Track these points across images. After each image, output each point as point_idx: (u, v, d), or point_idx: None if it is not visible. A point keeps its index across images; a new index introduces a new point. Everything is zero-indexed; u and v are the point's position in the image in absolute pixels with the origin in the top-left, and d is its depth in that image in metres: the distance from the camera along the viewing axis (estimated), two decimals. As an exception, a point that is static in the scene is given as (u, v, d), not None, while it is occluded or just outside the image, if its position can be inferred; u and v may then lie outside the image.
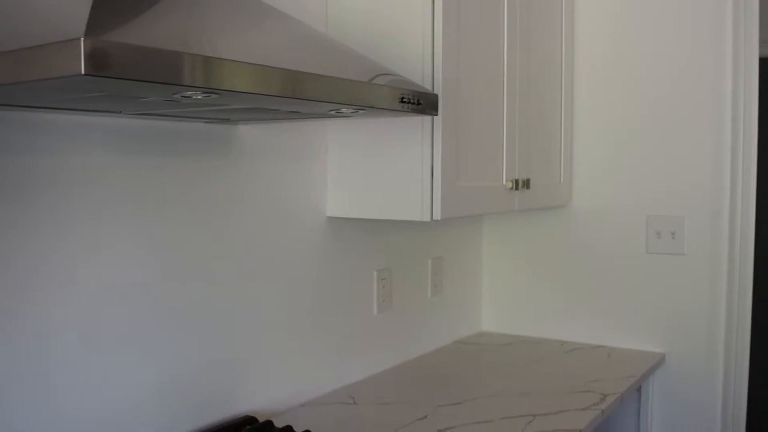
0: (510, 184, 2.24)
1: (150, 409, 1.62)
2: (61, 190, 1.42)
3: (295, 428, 1.81)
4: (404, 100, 1.43)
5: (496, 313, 2.95)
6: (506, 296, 2.92)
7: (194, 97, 1.05)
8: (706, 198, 2.52)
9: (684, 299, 2.58)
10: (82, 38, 0.82)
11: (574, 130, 2.73)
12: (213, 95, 1.05)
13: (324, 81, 1.19)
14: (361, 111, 1.38)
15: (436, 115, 1.63)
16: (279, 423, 1.86)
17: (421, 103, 1.48)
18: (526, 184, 2.32)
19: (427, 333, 2.63)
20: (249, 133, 1.84)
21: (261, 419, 1.86)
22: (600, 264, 2.72)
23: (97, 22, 0.87)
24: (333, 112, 1.40)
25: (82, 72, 0.82)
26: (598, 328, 2.74)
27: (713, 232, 2.52)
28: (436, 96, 1.54)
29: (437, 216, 1.90)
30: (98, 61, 0.83)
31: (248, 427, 1.71)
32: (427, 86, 1.84)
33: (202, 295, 1.73)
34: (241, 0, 1.30)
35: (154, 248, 1.61)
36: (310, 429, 1.76)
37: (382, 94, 1.37)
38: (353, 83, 1.27)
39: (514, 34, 2.24)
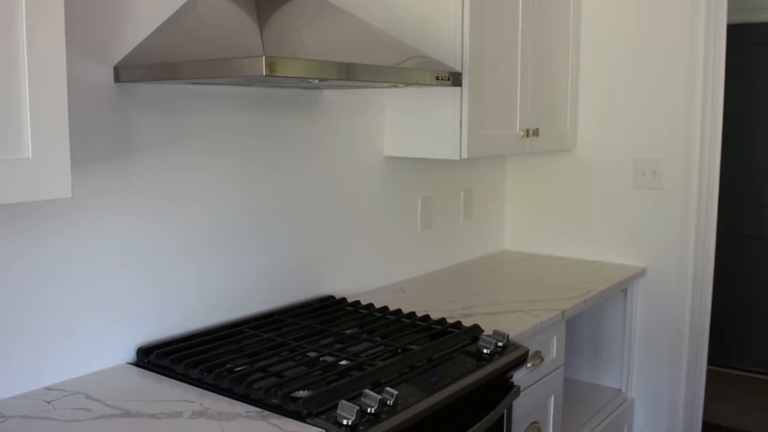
0: (522, 133, 2.96)
1: (263, 285, 2.42)
2: (211, 135, 2.20)
3: (362, 302, 2.58)
4: (438, 78, 2.17)
5: (515, 235, 3.69)
6: (524, 222, 3.66)
7: (312, 81, 1.81)
8: (680, 144, 3.21)
9: (662, 224, 3.29)
10: (264, 56, 1.58)
11: (579, 90, 3.42)
12: (318, 80, 1.81)
13: (383, 69, 1.94)
14: (409, 86, 2.13)
15: (461, 86, 2.36)
16: (350, 300, 2.64)
17: (450, 79, 2.22)
18: (536, 132, 3.04)
19: (459, 248, 3.39)
20: (330, 96, 2.60)
21: (337, 297, 2.64)
22: (597, 196, 3.44)
23: (266, 42, 1.62)
24: (391, 85, 2.15)
25: (264, 74, 1.58)
26: (595, 247, 3.47)
27: (685, 171, 3.21)
28: (460, 74, 2.27)
29: (464, 155, 2.64)
30: (271, 68, 1.59)
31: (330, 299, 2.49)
32: (457, 63, 2.57)
33: (294, 210, 2.51)
34: (320, 7, 2.04)
35: (262, 175, 2.38)
36: (372, 302, 2.53)
37: (423, 74, 2.11)
38: (403, 69, 2.01)
39: (528, 14, 2.94)
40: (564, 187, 3.53)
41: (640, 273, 3.30)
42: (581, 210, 3.50)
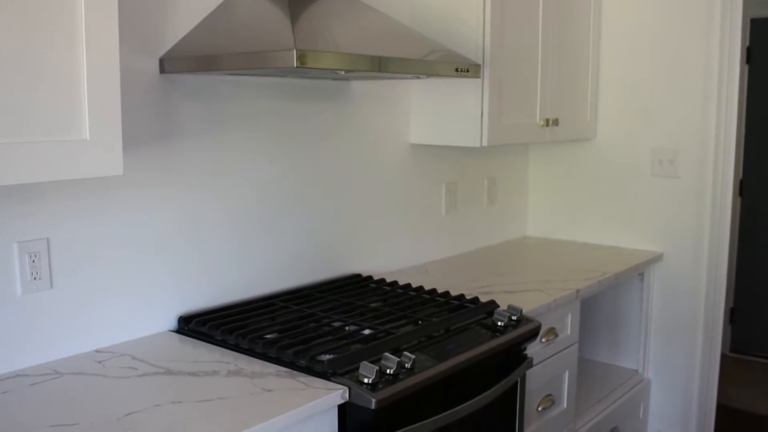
0: (542, 122, 3.10)
1: (295, 263, 2.59)
2: (248, 122, 2.37)
3: (387, 280, 2.75)
4: (458, 69, 2.32)
5: (537, 221, 3.84)
6: (546, 208, 3.80)
7: (339, 73, 1.98)
8: (696, 134, 3.33)
9: (678, 212, 3.41)
10: (295, 49, 1.74)
11: (599, 82, 3.55)
12: (346, 72, 1.97)
13: (405, 61, 2.10)
14: (431, 77, 2.28)
15: (479, 78, 2.51)
16: (375, 278, 2.80)
17: (469, 70, 2.37)
18: (555, 122, 3.18)
19: (483, 233, 3.55)
20: (358, 86, 2.76)
21: (364, 276, 2.81)
22: (617, 184, 3.57)
23: (297, 36, 1.79)
24: (413, 77, 2.31)
25: (294, 66, 1.74)
26: (614, 232, 3.60)
27: (701, 161, 3.33)
28: (479, 66, 2.42)
29: (485, 143, 2.79)
30: (301, 60, 1.75)
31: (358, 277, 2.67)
32: (479, 56, 2.72)
33: (324, 194, 2.68)
34: (348, 4, 2.20)
35: (295, 160, 2.56)
36: (397, 280, 2.69)
37: (443, 66, 2.27)
38: (424, 62, 2.17)
39: (549, 9, 3.07)
40: (585, 175, 3.66)
41: (657, 258, 3.42)
42: (601, 197, 3.63)
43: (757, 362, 4.96)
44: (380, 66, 2.01)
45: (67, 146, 1.56)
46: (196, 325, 2.16)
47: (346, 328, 2.14)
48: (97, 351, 2.03)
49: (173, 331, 2.21)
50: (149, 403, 1.68)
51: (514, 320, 2.29)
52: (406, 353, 1.89)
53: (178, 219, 2.21)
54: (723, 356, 4.96)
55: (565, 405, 2.83)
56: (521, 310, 2.31)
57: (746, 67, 4.91)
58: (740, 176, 4.99)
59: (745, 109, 4.93)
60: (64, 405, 1.67)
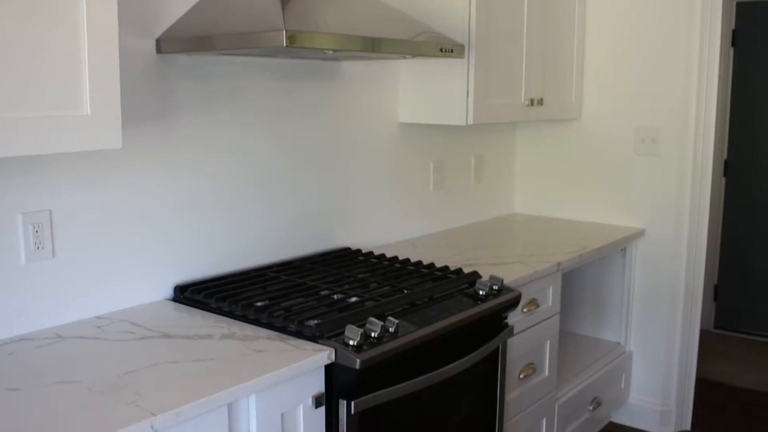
0: (527, 102, 3.20)
1: (286, 236, 2.70)
2: (241, 101, 2.47)
3: (375, 253, 2.85)
4: (442, 50, 2.42)
5: (524, 198, 3.94)
6: (532, 186, 3.91)
7: (328, 53, 2.07)
8: (677, 114, 3.43)
9: (660, 189, 3.52)
10: (284, 29, 1.84)
11: (585, 63, 3.64)
12: (333, 51, 2.07)
13: (390, 42, 2.20)
14: (416, 57, 2.38)
15: (463, 58, 2.61)
16: (364, 252, 2.91)
17: (453, 51, 2.46)
18: (540, 102, 3.28)
19: (470, 210, 3.65)
20: (348, 66, 2.86)
21: (353, 249, 2.92)
22: (601, 163, 3.67)
23: (287, 18, 1.89)
24: (399, 57, 2.40)
25: (284, 45, 1.84)
26: (598, 209, 3.71)
27: (682, 139, 3.44)
28: (463, 46, 2.52)
29: (470, 121, 2.89)
30: (291, 40, 1.85)
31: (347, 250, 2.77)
32: (464, 37, 2.81)
33: (315, 170, 2.78)
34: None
35: (287, 137, 2.66)
36: (384, 253, 2.80)
37: (428, 46, 2.36)
38: (408, 42, 2.27)
39: (533, -6, 3.17)
40: (570, 154, 3.77)
41: (639, 234, 3.53)
42: (586, 175, 3.73)
43: (740, 338, 5.09)
44: (365, 45, 2.11)
45: (69, 121, 1.65)
46: (192, 294, 2.26)
47: (334, 296, 2.25)
48: (97, 317, 2.14)
49: (169, 300, 2.32)
50: (147, 362, 1.79)
51: (495, 290, 2.40)
52: (390, 318, 2.00)
53: (174, 192, 2.32)
54: (707, 332, 5.11)
55: (546, 373, 2.95)
56: (502, 280, 2.42)
57: (732, 50, 5.00)
58: (725, 156, 5.09)
59: (730, 91, 5.02)
60: (66, 365, 1.78)
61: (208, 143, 2.39)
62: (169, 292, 2.34)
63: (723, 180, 5.14)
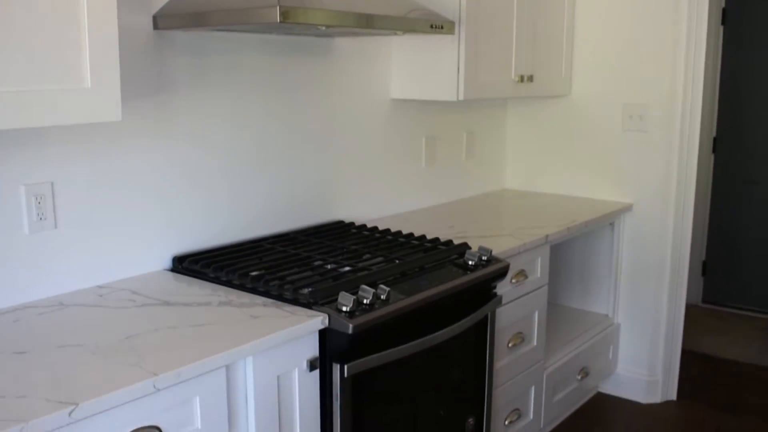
0: (517, 78, 3.26)
1: (280, 210, 2.76)
2: (237, 76, 2.53)
3: (368, 226, 2.92)
4: (433, 26, 2.48)
5: (515, 174, 4.01)
6: (523, 162, 3.98)
7: (321, 29, 2.13)
8: (664, 91, 3.49)
9: (647, 165, 3.59)
10: (278, 5, 1.90)
11: (574, 40, 3.70)
12: (327, 27, 2.13)
13: (383, 18, 2.26)
14: (407, 33, 2.44)
15: (454, 34, 2.66)
16: (357, 224, 2.98)
17: (443, 27, 2.52)
18: (530, 78, 3.34)
19: (462, 185, 3.72)
20: (341, 43, 2.92)
21: (346, 222, 2.99)
22: (590, 139, 3.74)
23: (281, -3, 1.94)
24: (391, 33, 2.46)
25: (278, 21, 1.90)
26: (587, 185, 3.78)
27: (669, 116, 3.50)
28: (453, 23, 2.57)
29: (461, 97, 2.96)
30: (284, 16, 1.91)
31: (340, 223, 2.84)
32: (455, 14, 2.87)
33: (309, 145, 2.84)
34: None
35: (282, 113, 2.72)
36: (377, 226, 2.87)
37: (419, 23, 2.42)
38: (400, 18, 2.33)
39: (523, -28, 3.23)
40: (560, 130, 3.83)
41: (627, 208, 3.61)
42: (576, 151, 3.80)
43: (727, 312, 5.18)
44: (359, 21, 2.17)
45: (71, 94, 1.71)
46: (190, 264, 2.33)
47: (327, 266, 2.32)
48: (98, 287, 2.21)
49: (168, 270, 2.39)
50: (148, 328, 1.86)
51: (484, 260, 2.48)
52: (381, 286, 2.07)
53: (172, 166, 2.38)
54: (695, 306, 5.20)
55: (535, 343, 3.03)
56: (491, 251, 2.50)
57: (721, 29, 5.05)
58: (714, 134, 5.16)
59: (720, 69, 5.08)
60: (69, 330, 1.85)
61: (204, 118, 2.45)
62: (167, 263, 2.41)
63: (712, 157, 5.21)
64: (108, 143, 2.20)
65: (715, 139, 5.18)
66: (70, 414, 1.43)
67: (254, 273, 2.21)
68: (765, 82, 4.95)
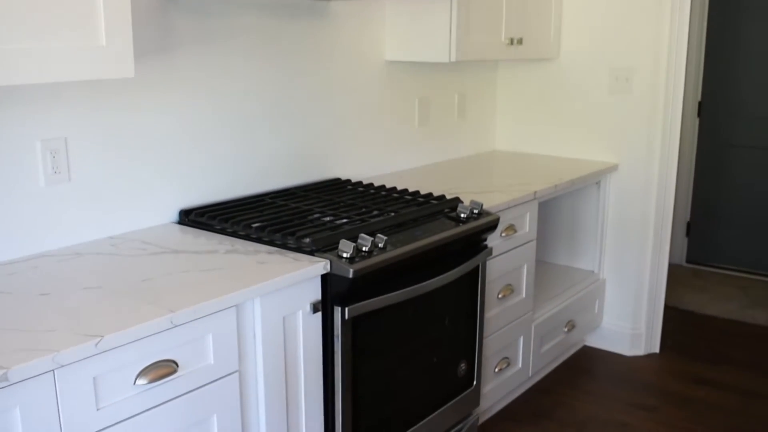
0: (507, 41, 3.37)
1: (281, 167, 2.88)
2: (238, 37, 2.63)
3: (363, 182, 3.04)
4: (427, -12, 2.58)
5: (505, 135, 4.13)
6: (513, 124, 4.10)
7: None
8: (649, 54, 3.61)
9: (633, 125, 3.72)
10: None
11: (563, 3, 3.80)
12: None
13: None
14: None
15: (447, -4, 2.77)
16: (354, 181, 3.09)
17: (437, -10, 2.63)
18: (520, 41, 3.45)
19: (453, 146, 3.84)
20: (337, 6, 3.02)
21: (343, 179, 3.11)
22: (578, 101, 3.86)
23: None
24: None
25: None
26: (575, 145, 3.90)
27: (653, 79, 3.62)
28: (446, -14, 2.69)
29: (453, 58, 3.07)
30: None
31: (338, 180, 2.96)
32: (448, -23, 2.97)
33: (307, 105, 2.95)
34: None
35: (281, 72, 2.83)
36: (372, 182, 2.99)
37: (414, -15, 2.53)
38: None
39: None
40: (549, 92, 3.95)
41: (612, 168, 3.74)
42: (564, 113, 3.92)
43: (709, 271, 5.35)
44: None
45: (86, 51, 1.82)
46: (196, 216, 2.45)
47: (326, 218, 2.44)
48: (110, 237, 2.33)
49: (175, 223, 2.51)
50: (161, 272, 1.99)
51: (475, 213, 2.60)
52: (379, 235, 2.20)
53: (177, 124, 2.49)
54: (679, 266, 5.36)
55: (523, 295, 3.17)
56: (482, 205, 2.63)
57: (707, -7, 5.16)
58: (699, 98, 5.28)
59: (705, 33, 5.19)
60: (87, 275, 1.97)
61: (207, 77, 2.56)
62: (174, 216, 2.52)
63: (697, 121, 5.33)
64: (118, 100, 2.30)
65: (700, 103, 5.30)
66: (96, 345, 1.56)
67: (257, 224, 2.33)
68: (749, 46, 5.07)
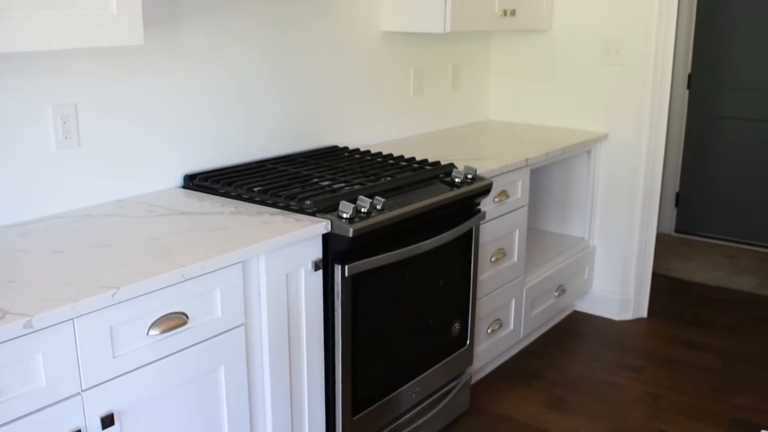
0: (501, 12, 3.45)
1: (280, 135, 2.97)
2: (239, 7, 2.71)
3: (360, 149, 3.13)
4: (422, -40, 2.66)
5: (498, 106, 4.22)
6: (506, 94, 4.18)
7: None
8: (639, 26, 3.70)
9: (623, 95, 3.81)
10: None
11: (555, -23, 3.89)
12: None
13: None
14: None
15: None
16: (351, 148, 3.18)
17: (433, -39, 2.71)
18: (513, 12, 3.53)
19: (448, 115, 3.93)
20: (335, -23, 3.10)
21: (340, 147, 3.20)
22: (570, 72, 3.95)
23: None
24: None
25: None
26: (567, 116, 4.00)
27: (643, 50, 3.71)
28: (441, -43, 2.76)
29: (448, 29, 3.15)
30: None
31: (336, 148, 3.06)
32: (443, -51, 3.05)
33: (306, 74, 3.04)
34: None
35: (281, 42, 2.91)
36: (369, 149, 3.08)
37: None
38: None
39: None
40: (542, 63, 4.04)
41: (602, 138, 3.83)
42: (556, 84, 4.01)
43: (698, 241, 5.47)
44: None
45: (98, 19, 1.90)
46: (200, 181, 2.55)
47: (325, 183, 2.54)
48: (117, 200, 2.42)
49: (179, 188, 2.60)
50: (170, 231, 2.08)
51: (469, 178, 2.70)
52: (377, 197, 2.30)
53: (181, 92, 2.57)
54: (668, 235, 5.48)
55: (515, 259, 3.28)
56: (476, 170, 2.72)
57: (698, -34, 5.23)
58: (689, 70, 5.37)
59: (696, 6, 5.27)
60: (99, 235, 2.06)
61: (210, 48, 2.64)
62: (178, 181, 2.62)
63: (686, 93, 5.43)
64: (126, 67, 2.39)
65: (690, 75, 5.39)
66: (113, 296, 1.66)
67: (259, 188, 2.43)
68: (739, 19, 5.16)
